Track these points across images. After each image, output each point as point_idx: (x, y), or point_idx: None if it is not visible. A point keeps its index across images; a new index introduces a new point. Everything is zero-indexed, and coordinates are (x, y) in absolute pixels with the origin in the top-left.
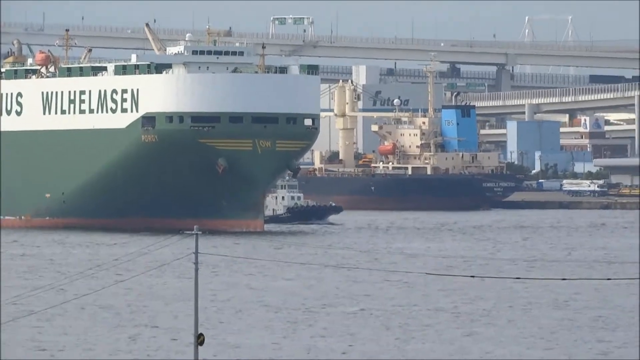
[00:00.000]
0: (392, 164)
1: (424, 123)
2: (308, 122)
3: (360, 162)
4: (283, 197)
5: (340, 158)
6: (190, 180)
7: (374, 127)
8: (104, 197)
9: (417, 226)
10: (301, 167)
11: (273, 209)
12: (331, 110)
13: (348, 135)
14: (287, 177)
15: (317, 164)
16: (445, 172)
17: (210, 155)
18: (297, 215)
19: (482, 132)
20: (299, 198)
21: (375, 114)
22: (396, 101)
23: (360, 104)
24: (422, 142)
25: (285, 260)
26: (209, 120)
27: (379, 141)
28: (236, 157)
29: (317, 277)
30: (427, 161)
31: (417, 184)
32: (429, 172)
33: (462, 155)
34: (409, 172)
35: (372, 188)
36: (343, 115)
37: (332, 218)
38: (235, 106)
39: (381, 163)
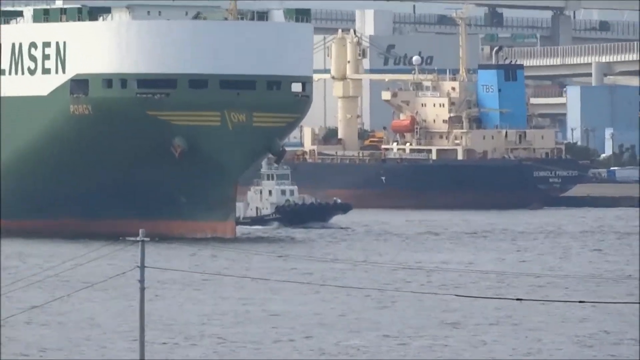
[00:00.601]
0: (410, 145)
1: (453, 89)
2: (296, 87)
3: (367, 142)
4: (270, 192)
5: (339, 137)
6: (135, 168)
7: (386, 95)
8: (19, 193)
9: (442, 232)
10: (287, 149)
11: (257, 208)
12: (327, 71)
13: (350, 105)
14: (274, 164)
15: (308, 145)
16: (482, 156)
17: (163, 132)
18: (290, 216)
19: (533, 101)
20: (291, 193)
21: (387, 77)
22: (416, 59)
23: (366, 63)
24: (451, 115)
25: (258, 276)
26: (161, 85)
27: (392, 114)
28: (198, 136)
29: (308, 300)
30: (457, 141)
31: (444, 173)
32: (459, 157)
33: (506, 133)
34: (433, 156)
35: (383, 179)
36: (343, 78)
37: (336, 220)
38: (198, 66)
39: (395, 144)
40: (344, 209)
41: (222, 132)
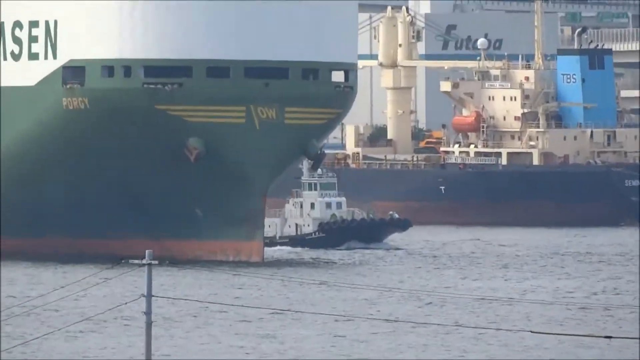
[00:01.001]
0: (475, 147)
1: (527, 79)
2: (338, 76)
3: (422, 144)
4: (312, 205)
5: (388, 138)
6: (142, 175)
7: (445, 86)
8: (3, 206)
9: (514, 253)
10: (326, 152)
11: (296, 225)
12: (374, 57)
13: (401, 99)
14: (318, 171)
15: (351, 147)
16: (562, 161)
17: (175, 132)
18: (336, 234)
19: (624, 93)
20: (339, 206)
21: (446, 64)
22: (481, 42)
23: (421, 47)
24: (525, 110)
25: (294, 309)
26: (173, 74)
27: (453, 109)
28: (218, 136)
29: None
30: (532, 143)
31: (516, 182)
32: (535, 162)
33: (591, 133)
34: (503, 161)
35: (442, 188)
36: (393, 65)
37: (392, 239)
38: (218, 50)
39: (456, 146)
40: (402, 225)
41: (247, 131)
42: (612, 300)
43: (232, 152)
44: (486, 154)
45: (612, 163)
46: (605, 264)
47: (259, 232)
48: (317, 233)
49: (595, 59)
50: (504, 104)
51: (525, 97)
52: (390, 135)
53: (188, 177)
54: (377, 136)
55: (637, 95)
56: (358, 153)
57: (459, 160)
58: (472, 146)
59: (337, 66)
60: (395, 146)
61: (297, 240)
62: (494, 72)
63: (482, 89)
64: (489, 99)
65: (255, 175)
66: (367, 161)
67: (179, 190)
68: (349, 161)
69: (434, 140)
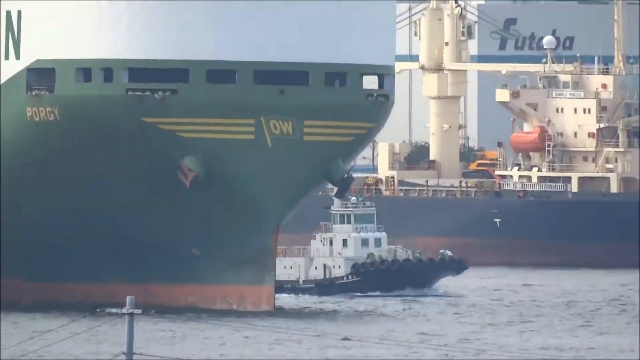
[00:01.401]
0: (539, 171)
1: (604, 86)
2: (370, 82)
3: (473, 166)
4: (345, 241)
5: (431, 159)
6: (125, 205)
7: (502, 95)
8: None
9: (588, 304)
10: (354, 176)
11: (325, 266)
12: (414, 58)
13: (448, 110)
14: (352, 199)
15: (384, 170)
16: None
17: (167, 150)
18: (375, 278)
19: None
20: (378, 242)
21: (504, 67)
22: (548, 40)
23: (473, 46)
24: (602, 125)
25: None
26: (165, 78)
27: (512, 124)
28: (221, 156)
29: None
30: (610, 166)
31: (589, 214)
32: (614, 189)
33: None
34: (573, 187)
35: (497, 221)
36: (438, 69)
37: (444, 284)
38: (221, 49)
39: (516, 169)
40: (457, 267)
41: (257, 150)
42: None
43: (237, 176)
44: (553, 179)
45: None
46: None
47: (269, 274)
48: (350, 276)
49: None
50: (576, 117)
51: (602, 109)
52: (433, 155)
53: (182, 207)
54: (416, 156)
55: None
56: (393, 177)
57: (519, 187)
58: (535, 169)
59: (369, 69)
60: (439, 169)
61: (326, 286)
62: (563, 77)
63: (548, 98)
64: (557, 111)
65: (265, 205)
66: (404, 187)
67: (170, 222)
68: (382, 187)
69: (488, 161)
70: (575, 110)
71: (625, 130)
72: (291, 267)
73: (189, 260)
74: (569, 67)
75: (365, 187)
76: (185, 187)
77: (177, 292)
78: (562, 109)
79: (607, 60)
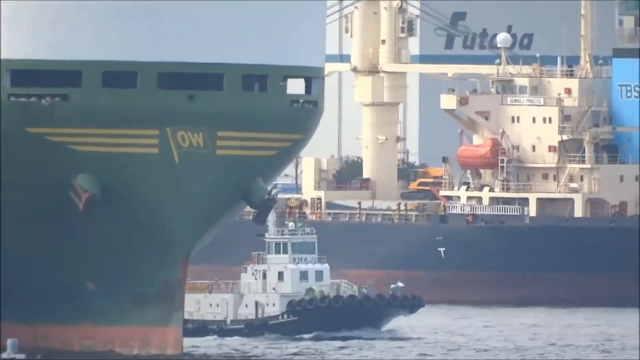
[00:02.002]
0: (491, 191)
1: (568, 92)
2: (296, 86)
3: (414, 186)
4: (281, 275)
5: (364, 177)
6: (6, 231)
7: (448, 102)
8: None
9: (550, 351)
10: (278, 197)
11: (256, 304)
12: (345, 59)
13: (385, 120)
14: (290, 225)
15: (309, 189)
16: (618, 211)
17: (56, 166)
18: (315, 318)
19: None
20: (319, 276)
21: (450, 69)
22: (503, 38)
23: (415, 45)
24: (565, 137)
25: None
26: (54, 82)
27: (460, 136)
28: (120, 173)
29: None
30: (574, 185)
31: (550, 243)
32: (578, 213)
33: None
34: (532, 211)
35: (442, 251)
36: (373, 71)
37: (396, 325)
38: (118, 48)
39: (464, 188)
40: (411, 305)
41: (163, 165)
42: None
43: (139, 197)
44: (507, 201)
45: None
46: None
47: (177, 313)
48: (285, 316)
49: None
50: (534, 127)
51: (565, 118)
52: (367, 172)
53: (75, 234)
54: (347, 174)
55: None
56: (320, 199)
57: (467, 210)
58: (486, 189)
59: (294, 72)
60: (374, 189)
61: (256, 327)
62: (520, 81)
63: (502, 105)
64: (513, 120)
65: (173, 230)
66: (332, 210)
67: (61, 251)
68: (307, 210)
69: (431, 180)
70: (534, 119)
71: (593, 144)
72: (217, 305)
73: (83, 297)
74: (527, 69)
75: (288, 210)
76: (79, 209)
77: (71, 334)
78: (518, 118)
79: (572, 61)
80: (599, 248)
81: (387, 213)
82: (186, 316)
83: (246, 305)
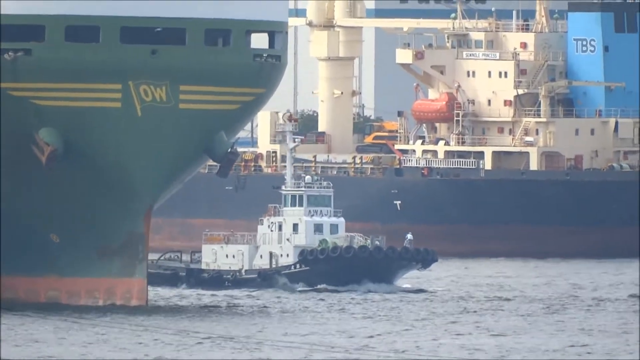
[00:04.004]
0: (447, 144)
1: (523, 46)
2: (259, 40)
3: (370, 140)
4: (295, 227)
5: (319, 130)
6: None
7: (404, 56)
8: None
9: (506, 297)
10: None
11: (270, 254)
12: (300, 13)
13: (340, 74)
14: (307, 179)
15: (265, 143)
16: (573, 165)
17: (19, 121)
18: (327, 268)
19: None
20: (334, 229)
21: (405, 24)
22: None
23: None
24: (520, 91)
25: None
26: (16, 36)
27: (415, 90)
28: (82, 127)
29: None
30: (530, 139)
31: (506, 196)
32: (534, 166)
33: (616, 124)
34: (487, 165)
35: (398, 204)
36: (329, 26)
37: (410, 277)
38: (81, 3)
39: (419, 142)
40: (425, 260)
41: (125, 119)
42: None
43: (102, 151)
44: (462, 155)
45: None
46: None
47: (141, 265)
48: (297, 266)
49: (624, 18)
50: (490, 82)
51: (521, 72)
52: (322, 126)
53: (38, 188)
54: (303, 128)
55: None
56: (275, 152)
57: (423, 164)
58: (441, 143)
59: (257, 26)
60: (329, 142)
61: (269, 275)
62: (475, 35)
63: (457, 60)
64: (468, 74)
65: (136, 184)
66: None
67: (25, 204)
68: (262, 164)
69: (387, 134)
70: (490, 73)
71: (548, 98)
72: (233, 256)
73: (48, 249)
74: (483, 23)
75: (243, 163)
76: (41, 163)
77: (36, 286)
78: (473, 73)
79: (527, 15)
80: (554, 201)
81: (343, 166)
82: (203, 266)
83: (261, 256)
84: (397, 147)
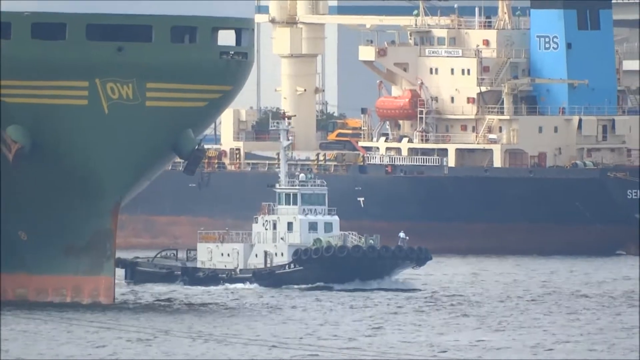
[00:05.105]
0: (410, 142)
1: (486, 43)
2: (226, 38)
3: (333, 137)
4: (290, 225)
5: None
6: None
7: (366, 53)
8: None
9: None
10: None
11: (265, 254)
12: (262, 10)
13: (303, 71)
14: (301, 177)
15: (228, 140)
16: (536, 162)
17: None
18: (321, 267)
19: (628, 65)
20: (328, 227)
21: (368, 20)
22: None
23: None
24: (484, 89)
25: None
26: None
27: (378, 87)
28: (49, 124)
29: None
30: (493, 136)
31: (469, 193)
32: (497, 163)
33: (580, 121)
34: (450, 162)
35: (361, 200)
36: (291, 22)
37: (404, 275)
38: (50, 1)
39: (383, 139)
40: (419, 258)
41: (92, 117)
42: None
43: (69, 148)
44: (426, 152)
45: (608, 165)
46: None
47: (109, 262)
48: (291, 265)
49: (587, 14)
50: (453, 79)
51: (484, 69)
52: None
53: (5, 185)
54: (266, 125)
55: None
56: (239, 149)
57: (386, 161)
58: (405, 140)
59: (224, 23)
60: (293, 140)
61: (263, 275)
62: (438, 33)
63: (420, 57)
64: (431, 72)
65: (103, 181)
66: (251, 161)
67: None
68: (226, 161)
69: (350, 131)
70: (453, 71)
71: (511, 95)
72: (228, 255)
73: (15, 246)
74: (445, 20)
75: (207, 160)
76: (8, 160)
77: (5, 283)
78: (436, 70)
79: (490, 12)
80: (518, 198)
81: (306, 163)
82: (198, 265)
83: (256, 255)
84: (360, 144)
